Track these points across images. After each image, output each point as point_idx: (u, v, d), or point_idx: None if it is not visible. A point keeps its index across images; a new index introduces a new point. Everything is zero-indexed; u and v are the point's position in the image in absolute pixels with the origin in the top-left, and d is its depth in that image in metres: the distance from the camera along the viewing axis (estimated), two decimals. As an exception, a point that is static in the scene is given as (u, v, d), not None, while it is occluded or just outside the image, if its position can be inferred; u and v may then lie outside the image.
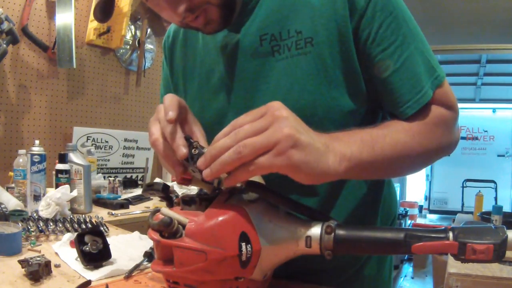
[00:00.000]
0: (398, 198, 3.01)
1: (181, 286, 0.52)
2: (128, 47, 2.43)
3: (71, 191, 1.36)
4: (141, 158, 2.44)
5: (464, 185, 4.86)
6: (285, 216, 0.54)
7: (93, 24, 2.19)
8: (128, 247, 0.89)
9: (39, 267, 0.70)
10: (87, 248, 0.76)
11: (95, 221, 1.10)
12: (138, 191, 2.02)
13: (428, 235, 0.47)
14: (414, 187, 6.00)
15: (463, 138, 5.36)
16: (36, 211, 1.24)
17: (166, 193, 0.58)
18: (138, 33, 2.46)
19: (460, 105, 0.66)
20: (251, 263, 0.49)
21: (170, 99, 0.55)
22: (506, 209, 2.96)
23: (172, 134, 0.52)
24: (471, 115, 5.51)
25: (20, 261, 0.74)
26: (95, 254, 0.77)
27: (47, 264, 0.72)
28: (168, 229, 0.48)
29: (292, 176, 0.47)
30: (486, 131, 5.53)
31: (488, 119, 5.57)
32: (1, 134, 1.92)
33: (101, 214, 1.49)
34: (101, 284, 0.68)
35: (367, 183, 0.72)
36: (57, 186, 1.39)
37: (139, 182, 2.38)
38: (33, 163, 1.34)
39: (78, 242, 0.77)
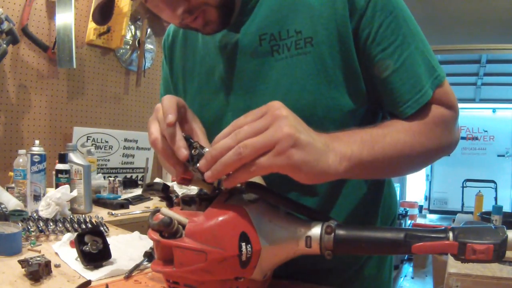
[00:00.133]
0: (398, 198, 3.01)
1: (181, 286, 0.52)
2: (128, 47, 2.43)
3: (71, 191, 1.36)
4: (141, 158, 2.44)
5: (464, 185, 4.86)
6: (285, 216, 0.54)
7: (93, 24, 2.19)
8: (128, 247, 0.89)
9: (39, 267, 0.70)
10: (87, 248, 0.76)
11: (95, 221, 1.10)
12: (138, 191, 2.02)
13: (428, 235, 0.47)
14: (414, 187, 5.99)
15: (463, 138, 5.35)
16: (36, 211, 1.24)
17: (166, 193, 0.58)
18: (138, 33, 2.46)
19: (460, 105, 0.66)
20: (251, 263, 0.49)
21: (169, 100, 0.55)
22: (506, 209, 2.96)
23: (172, 136, 0.52)
24: (471, 115, 5.50)
25: (20, 261, 0.74)
26: (95, 254, 0.77)
27: (47, 264, 0.72)
28: (168, 229, 0.48)
29: (292, 175, 0.47)
30: (486, 131, 5.52)
31: (488, 119, 5.56)
32: (1, 134, 1.92)
33: (101, 214, 1.49)
34: (101, 284, 0.68)
35: (367, 183, 0.72)
36: (57, 186, 1.39)
37: (139, 182, 2.38)
38: (33, 163, 1.34)
39: (78, 242, 0.77)
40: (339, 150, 0.51)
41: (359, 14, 0.60)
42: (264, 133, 0.46)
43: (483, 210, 2.65)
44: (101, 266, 0.77)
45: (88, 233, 0.79)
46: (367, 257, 0.75)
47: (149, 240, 0.85)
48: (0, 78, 1.91)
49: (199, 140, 0.60)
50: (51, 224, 1.02)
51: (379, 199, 0.75)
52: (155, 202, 1.83)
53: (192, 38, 0.77)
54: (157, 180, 2.21)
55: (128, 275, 0.72)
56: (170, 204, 0.58)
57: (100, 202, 1.69)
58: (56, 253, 0.85)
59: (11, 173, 1.66)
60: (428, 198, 5.75)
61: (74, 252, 0.79)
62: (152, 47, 2.56)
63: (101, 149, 2.24)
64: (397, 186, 4.90)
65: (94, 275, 0.72)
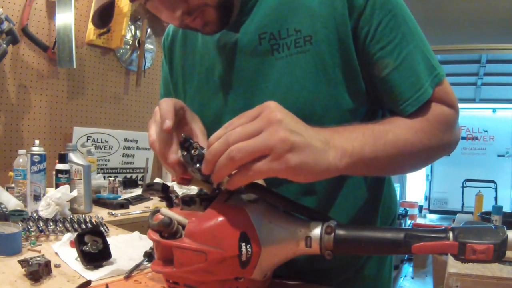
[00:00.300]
0: (398, 198, 3.01)
1: (181, 286, 0.52)
2: (128, 47, 2.43)
3: (71, 191, 1.36)
4: (141, 158, 2.44)
5: (464, 185, 4.86)
6: (285, 217, 0.54)
7: (93, 24, 2.19)
8: (128, 247, 0.89)
9: (39, 267, 0.69)
10: (87, 248, 0.76)
11: (95, 221, 1.10)
12: (138, 191, 2.02)
13: (428, 235, 0.47)
14: (414, 187, 5.99)
15: (463, 138, 5.35)
16: (36, 211, 1.24)
17: (166, 193, 0.58)
18: (138, 33, 2.46)
19: (460, 105, 0.66)
20: (251, 263, 0.49)
21: (166, 104, 0.56)
22: (506, 209, 2.95)
23: (166, 141, 0.54)
24: (471, 115, 5.50)
25: (20, 261, 0.73)
26: (95, 254, 0.77)
27: (47, 264, 0.72)
28: (168, 230, 0.48)
29: (291, 178, 0.47)
30: (486, 131, 5.52)
31: (488, 119, 5.56)
32: (1, 134, 1.92)
33: (101, 214, 1.49)
34: (101, 284, 0.68)
35: (366, 182, 0.72)
36: (57, 186, 1.39)
37: (139, 182, 2.38)
38: (33, 163, 1.34)
39: (78, 242, 0.77)
40: (340, 145, 0.51)
41: (358, 13, 0.60)
42: (258, 137, 0.45)
43: (483, 210, 2.64)
44: (101, 266, 0.77)
45: (88, 233, 0.79)
46: (367, 257, 0.75)
47: (149, 240, 0.84)
48: (0, 78, 1.91)
49: (198, 140, 0.60)
50: (51, 224, 1.02)
51: (379, 199, 0.75)
52: (155, 202, 1.83)
53: (191, 38, 0.77)
54: (157, 180, 2.21)
55: (128, 275, 0.72)
56: (170, 204, 0.58)
57: (100, 202, 1.69)
58: (56, 253, 0.85)
59: (11, 173, 1.66)
60: (428, 198, 5.75)
61: (74, 252, 0.79)
62: (152, 47, 2.56)
63: (101, 149, 2.24)
64: (397, 186, 4.90)
65: (94, 275, 0.72)
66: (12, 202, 1.30)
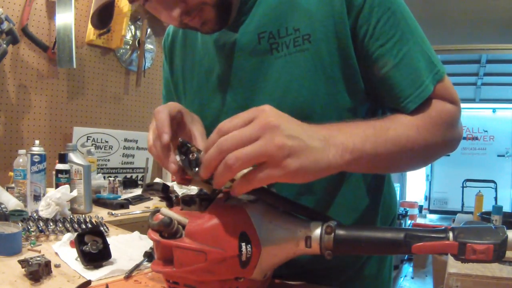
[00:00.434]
0: (398, 198, 3.01)
1: (181, 286, 0.52)
2: (128, 47, 2.43)
3: (71, 191, 1.36)
4: (141, 158, 2.44)
5: (464, 185, 4.86)
6: (285, 217, 0.54)
7: (93, 24, 2.19)
8: (128, 247, 0.89)
9: (39, 267, 0.69)
10: (87, 248, 0.76)
11: (95, 221, 1.10)
12: (138, 191, 2.02)
13: (428, 235, 0.47)
14: (414, 187, 5.99)
15: (463, 138, 5.33)
16: (36, 211, 1.24)
17: (166, 193, 0.58)
18: (138, 33, 2.46)
19: (460, 105, 0.66)
20: (251, 263, 0.49)
21: (162, 114, 0.56)
22: (506, 209, 2.96)
23: (163, 153, 0.55)
24: (471, 115, 5.50)
25: (20, 261, 0.73)
26: (95, 254, 0.77)
27: (47, 264, 0.72)
28: (168, 229, 0.48)
29: (292, 182, 0.47)
30: (486, 131, 5.52)
31: (488, 119, 5.56)
32: (1, 134, 1.92)
33: (101, 214, 1.49)
34: (101, 284, 0.68)
35: (366, 182, 0.72)
36: (57, 186, 1.39)
37: (139, 182, 2.38)
38: (33, 163, 1.34)
39: (78, 242, 0.77)
40: (341, 142, 0.50)
41: (357, 11, 0.60)
42: (254, 144, 0.44)
43: (483, 210, 2.65)
44: (101, 266, 0.77)
45: (88, 233, 0.79)
46: (367, 257, 0.75)
47: (149, 240, 0.85)
48: (0, 78, 1.91)
49: (197, 143, 0.60)
50: (51, 224, 1.02)
51: (378, 199, 0.75)
52: (155, 202, 1.83)
53: (191, 38, 0.77)
54: (157, 180, 2.21)
55: (128, 275, 0.72)
56: (170, 204, 0.58)
57: (100, 202, 1.69)
58: (56, 253, 0.85)
59: (11, 173, 1.66)
60: (428, 198, 5.75)
61: (74, 252, 0.79)
62: (152, 47, 2.56)
63: (101, 149, 2.24)
64: (397, 186, 4.90)
65: (94, 275, 0.72)
66: (12, 202, 1.30)
